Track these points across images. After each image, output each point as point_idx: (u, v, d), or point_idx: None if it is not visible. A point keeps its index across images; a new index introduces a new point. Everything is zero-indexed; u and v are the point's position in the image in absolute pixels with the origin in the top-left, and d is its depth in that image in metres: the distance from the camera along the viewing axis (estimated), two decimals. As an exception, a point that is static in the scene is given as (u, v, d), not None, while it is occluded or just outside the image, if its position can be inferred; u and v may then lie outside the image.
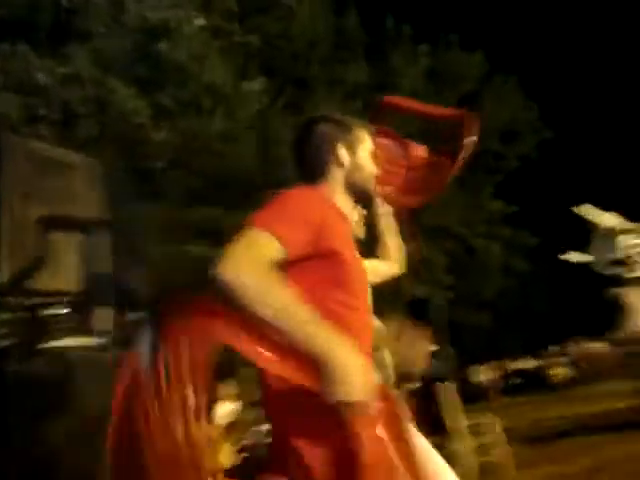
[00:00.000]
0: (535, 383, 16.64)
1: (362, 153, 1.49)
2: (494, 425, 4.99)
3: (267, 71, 13.33)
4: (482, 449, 5.07)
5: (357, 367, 1.05)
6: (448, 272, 16.58)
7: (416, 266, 14.92)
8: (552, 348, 18.45)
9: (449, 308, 15.93)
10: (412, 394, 7.09)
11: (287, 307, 1.06)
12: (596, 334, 17.48)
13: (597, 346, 18.40)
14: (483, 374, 17.84)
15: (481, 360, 18.64)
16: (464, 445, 4.94)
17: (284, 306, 1.06)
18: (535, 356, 18.97)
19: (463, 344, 17.65)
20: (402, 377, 2.32)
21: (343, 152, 1.45)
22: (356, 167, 1.46)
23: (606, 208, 7.25)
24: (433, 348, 8.65)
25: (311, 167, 1.46)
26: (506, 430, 6.16)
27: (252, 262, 1.08)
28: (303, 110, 13.42)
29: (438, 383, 5.35)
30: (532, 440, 6.37)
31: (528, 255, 19.78)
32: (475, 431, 5.15)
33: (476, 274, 18.25)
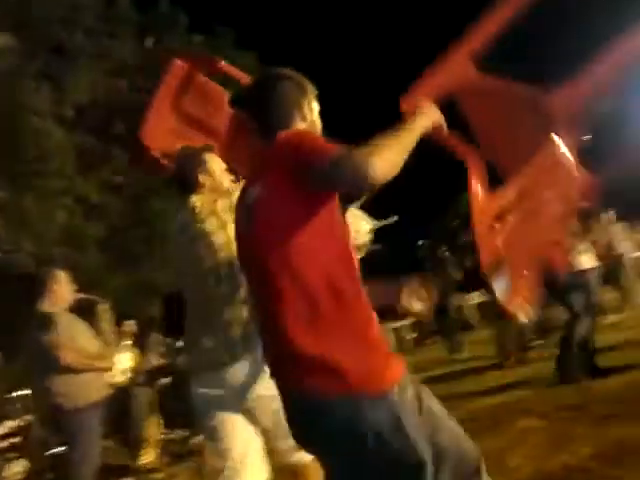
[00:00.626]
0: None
1: (315, 111, 1.61)
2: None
3: (20, 29, 11.72)
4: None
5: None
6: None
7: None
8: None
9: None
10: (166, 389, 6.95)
11: (403, 139, 1.32)
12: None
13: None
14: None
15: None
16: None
17: (402, 142, 1.31)
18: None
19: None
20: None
21: (307, 108, 1.56)
22: (313, 124, 1.58)
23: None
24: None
25: (277, 120, 1.51)
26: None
27: (363, 154, 1.22)
28: (60, 79, 12.12)
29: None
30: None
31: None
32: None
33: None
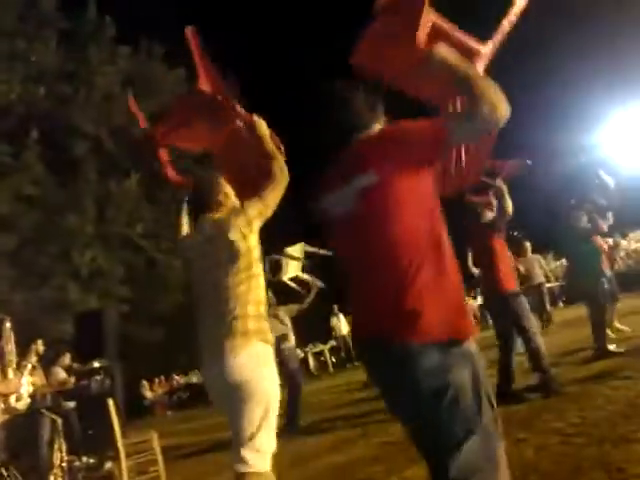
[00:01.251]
0: (203, 396, 17.24)
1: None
2: (152, 442, 4.87)
3: None
4: (139, 467, 4.89)
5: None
6: (125, 284, 15.98)
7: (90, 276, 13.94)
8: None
9: (122, 322, 15.28)
10: (74, 410, 6.53)
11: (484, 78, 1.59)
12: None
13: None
14: (150, 390, 17.62)
15: (150, 375, 18.39)
16: (119, 465, 4.69)
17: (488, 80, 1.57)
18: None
19: (134, 359, 17.14)
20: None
21: (380, 110, 1.77)
22: (384, 122, 1.78)
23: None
24: (100, 364, 8.14)
25: (367, 118, 1.72)
26: (169, 447, 6.10)
27: (487, 97, 1.51)
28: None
29: (108, 400, 5.01)
30: (191, 455, 6.46)
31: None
32: (135, 450, 4.95)
33: (154, 288, 18.04)
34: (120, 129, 16.89)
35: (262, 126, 2.47)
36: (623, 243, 15.44)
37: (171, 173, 2.77)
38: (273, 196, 2.38)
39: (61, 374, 7.10)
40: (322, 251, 6.87)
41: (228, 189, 2.60)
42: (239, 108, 2.55)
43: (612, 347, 5.65)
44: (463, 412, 1.43)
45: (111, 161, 16.95)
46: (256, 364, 2.25)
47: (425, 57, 1.63)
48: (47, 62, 13.52)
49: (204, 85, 2.49)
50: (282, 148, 2.53)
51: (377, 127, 1.73)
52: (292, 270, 7.04)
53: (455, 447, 1.41)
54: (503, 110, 1.51)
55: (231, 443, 2.26)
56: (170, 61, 18.29)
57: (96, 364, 8.09)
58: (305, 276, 6.92)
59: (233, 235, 2.36)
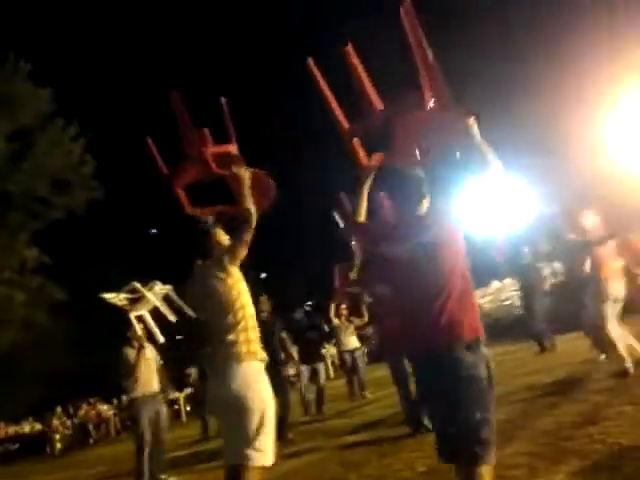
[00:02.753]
0: (37, 448, 15.41)
1: None
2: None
3: None
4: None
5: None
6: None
7: None
8: (59, 410, 17.62)
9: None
10: None
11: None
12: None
13: (104, 408, 18.60)
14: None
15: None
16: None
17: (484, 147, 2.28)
18: (38, 419, 17.73)
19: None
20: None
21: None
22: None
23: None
24: None
25: (419, 201, 2.39)
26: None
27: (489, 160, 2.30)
28: None
29: None
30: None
31: (52, 309, 18.84)
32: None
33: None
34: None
35: (242, 177, 2.89)
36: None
37: (189, 208, 3.24)
38: (243, 242, 2.81)
39: None
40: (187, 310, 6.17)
41: (220, 236, 3.01)
42: (222, 159, 2.97)
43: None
44: (485, 395, 2.14)
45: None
46: (248, 382, 2.66)
47: (464, 124, 2.23)
48: None
49: (189, 149, 2.98)
50: (270, 181, 3.09)
51: (425, 198, 2.38)
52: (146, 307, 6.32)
53: (485, 418, 2.10)
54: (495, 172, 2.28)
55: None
56: (36, 79, 17.15)
57: None
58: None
59: (212, 281, 2.83)
